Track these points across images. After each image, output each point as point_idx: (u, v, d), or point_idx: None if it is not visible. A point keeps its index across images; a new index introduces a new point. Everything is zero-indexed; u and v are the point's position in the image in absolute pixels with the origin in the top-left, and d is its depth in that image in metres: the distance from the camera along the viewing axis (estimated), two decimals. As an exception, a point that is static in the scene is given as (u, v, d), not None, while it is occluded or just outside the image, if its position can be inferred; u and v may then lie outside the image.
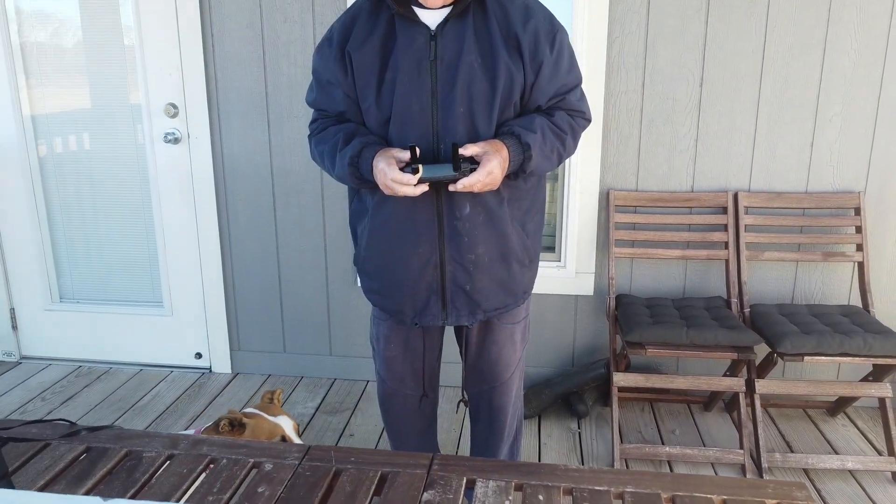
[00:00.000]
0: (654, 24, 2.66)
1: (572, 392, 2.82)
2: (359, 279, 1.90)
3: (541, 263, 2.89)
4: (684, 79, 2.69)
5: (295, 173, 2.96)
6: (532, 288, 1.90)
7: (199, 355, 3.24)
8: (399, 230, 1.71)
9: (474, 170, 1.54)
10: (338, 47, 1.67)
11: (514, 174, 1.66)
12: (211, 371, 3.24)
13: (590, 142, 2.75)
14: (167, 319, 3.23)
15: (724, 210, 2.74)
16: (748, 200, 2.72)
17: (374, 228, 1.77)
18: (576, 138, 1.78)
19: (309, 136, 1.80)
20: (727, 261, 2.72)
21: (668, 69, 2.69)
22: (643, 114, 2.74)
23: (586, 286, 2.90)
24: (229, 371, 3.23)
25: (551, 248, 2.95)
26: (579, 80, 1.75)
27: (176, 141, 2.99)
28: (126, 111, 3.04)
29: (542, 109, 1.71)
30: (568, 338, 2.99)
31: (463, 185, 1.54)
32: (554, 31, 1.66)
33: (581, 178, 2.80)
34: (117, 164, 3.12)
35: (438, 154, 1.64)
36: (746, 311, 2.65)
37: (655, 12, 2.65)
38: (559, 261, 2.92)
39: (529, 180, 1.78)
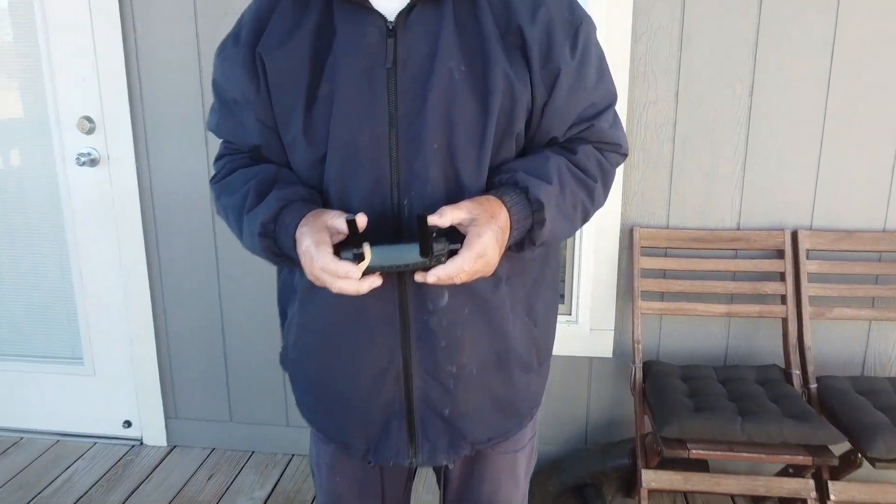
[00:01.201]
0: (690, 16, 2.07)
1: (586, 483, 2.23)
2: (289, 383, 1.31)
3: (546, 317, 2.30)
4: (729, 85, 2.10)
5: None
6: (542, 399, 1.31)
7: (128, 424, 2.66)
8: (341, 326, 1.14)
9: (455, 252, 0.98)
10: (246, 47, 1.09)
11: (518, 245, 1.09)
12: (142, 444, 2.65)
13: (608, 166, 2.16)
14: (89, 379, 2.64)
15: (780, 254, 2.14)
16: (810, 241, 2.13)
17: (306, 322, 1.19)
18: (607, 184, 1.20)
19: (211, 180, 1.21)
20: (784, 319, 2.13)
21: (709, 73, 2.10)
22: (676, 130, 2.15)
23: (603, 346, 2.31)
24: (164, 443, 2.64)
25: (560, 298, 2.36)
26: (613, 98, 1.18)
27: (93, 163, 2.40)
28: (33, 125, 2.46)
29: (559, 143, 1.13)
30: (580, 409, 2.40)
31: (437, 277, 0.97)
32: (576, 24, 1.08)
33: (598, 211, 2.20)
34: (23, 191, 2.54)
35: (400, 217, 1.06)
36: (812, 386, 2.06)
37: (692, 3, 2.06)
38: (570, 314, 2.33)
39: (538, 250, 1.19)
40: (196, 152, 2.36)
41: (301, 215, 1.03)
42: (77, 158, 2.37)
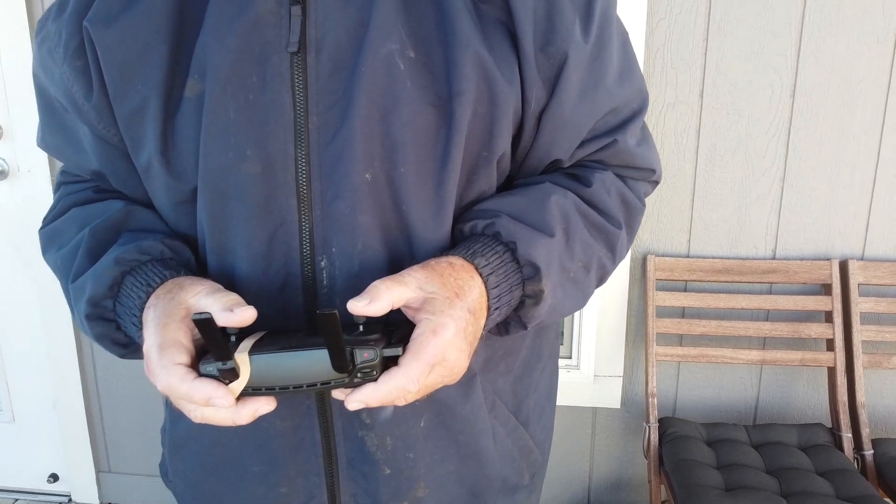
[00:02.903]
0: (719, 1, 1.68)
1: (590, 563, 1.86)
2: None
3: (542, 361, 1.92)
4: (767, 85, 1.71)
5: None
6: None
7: (54, 477, 2.28)
8: (229, 448, 0.76)
9: (395, 358, 0.59)
10: (71, 22, 0.68)
11: (501, 326, 0.71)
12: (70, 501, 2.27)
13: (618, 183, 1.77)
14: (7, 427, 2.26)
15: (826, 289, 1.76)
16: (864, 274, 1.75)
17: (178, 440, 0.81)
18: (633, 228, 0.82)
19: (41, 226, 0.81)
20: (832, 368, 1.75)
21: (741, 69, 1.71)
22: (700, 139, 1.76)
23: (610, 395, 1.93)
24: (97, 501, 2.26)
25: (559, 337, 1.98)
26: (644, 101, 0.78)
27: (1, 175, 2.01)
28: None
29: (565, 168, 0.76)
30: (582, 467, 2.02)
31: (363, 403, 0.58)
32: None
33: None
34: (-76, 208, 2.14)
35: (314, 290, 0.68)
36: (868, 452, 1.68)
37: (725, -21, 1.67)
38: (570, 357, 1.95)
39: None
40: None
41: (150, 289, 0.65)
42: (-20, 170, 1.98)
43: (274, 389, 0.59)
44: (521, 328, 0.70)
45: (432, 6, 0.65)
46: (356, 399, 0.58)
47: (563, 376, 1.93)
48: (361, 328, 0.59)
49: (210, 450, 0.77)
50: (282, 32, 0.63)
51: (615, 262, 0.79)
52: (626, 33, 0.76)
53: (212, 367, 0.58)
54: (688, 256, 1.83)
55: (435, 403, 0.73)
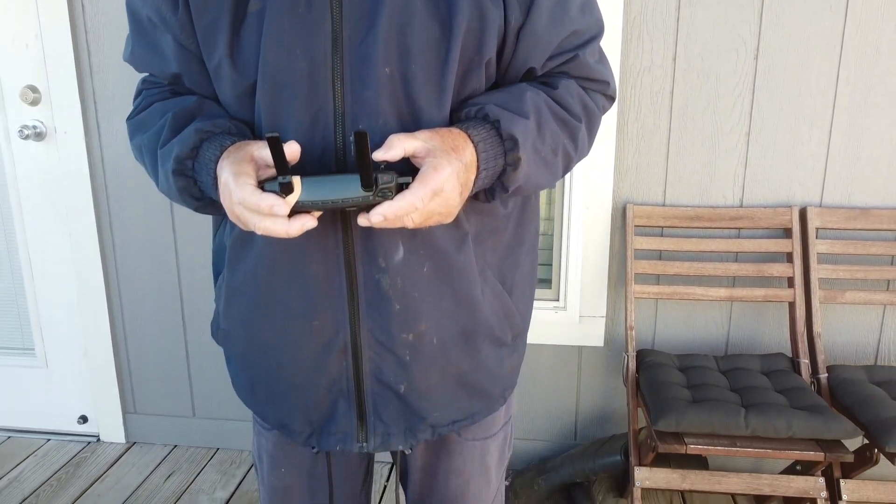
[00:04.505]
0: (691, -29, 1.88)
1: (575, 483, 2.05)
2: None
3: (534, 302, 2.11)
4: (733, 48, 1.92)
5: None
6: (517, 379, 1.13)
7: (83, 419, 2.46)
8: (276, 289, 0.96)
9: (405, 186, 0.80)
10: None
11: (488, 192, 0.92)
12: (99, 440, 2.46)
13: (599, 136, 1.97)
14: (40, 372, 2.45)
15: (788, 233, 1.96)
16: (821, 219, 1.95)
17: (235, 285, 1.01)
18: (593, 129, 1.02)
19: (128, 118, 1.02)
20: (792, 303, 1.95)
21: (710, 34, 1.91)
22: (674, 98, 1.96)
23: (594, 334, 2.12)
24: (123, 440, 2.45)
25: (547, 282, 2.18)
26: (600, 28, 1.00)
27: (38, 137, 2.20)
28: (-26, 96, 2.26)
29: (538, 77, 0.96)
30: (569, 403, 2.22)
31: (383, 215, 0.79)
32: None
33: (587, 186, 2.02)
34: (-34, 168, 2.34)
35: (345, 158, 0.88)
36: (822, 376, 1.88)
37: (694, -47, 1.87)
38: (557, 299, 2.14)
39: (512, 200, 1.01)
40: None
41: (223, 148, 0.86)
42: (20, 132, 2.17)
43: (317, 204, 0.79)
44: (503, 192, 0.90)
45: None
46: (377, 212, 0.79)
47: (551, 317, 2.12)
48: (379, 167, 0.79)
49: (261, 291, 0.96)
50: None
51: (577, 152, 0.99)
52: None
53: (273, 185, 0.79)
54: (664, 205, 2.02)
55: (435, 253, 0.92)
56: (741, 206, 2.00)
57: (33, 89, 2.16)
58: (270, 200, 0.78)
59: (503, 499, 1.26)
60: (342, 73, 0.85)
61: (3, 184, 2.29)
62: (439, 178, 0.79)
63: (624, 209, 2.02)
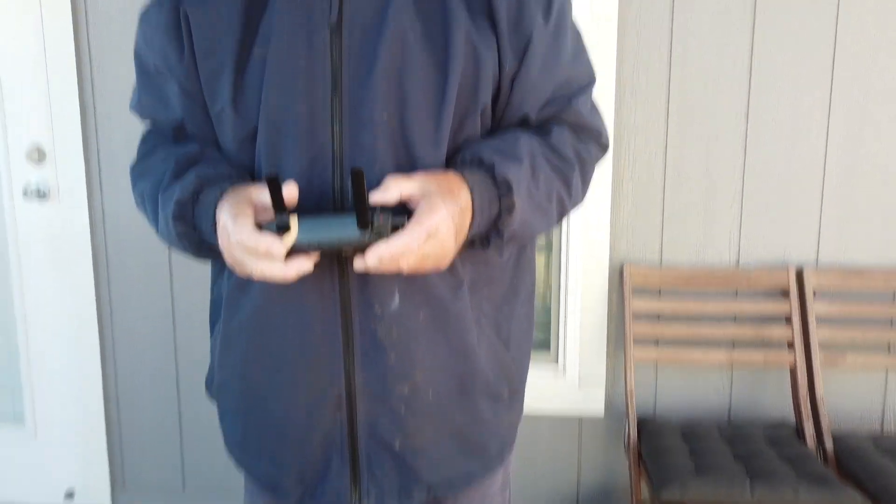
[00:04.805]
0: (680, 31, 1.94)
1: (575, 555, 1.97)
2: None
3: (532, 366, 2.07)
4: (723, 112, 1.95)
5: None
6: (515, 439, 1.10)
7: (69, 495, 2.39)
8: (271, 337, 0.95)
9: (400, 227, 0.80)
10: (170, 5, 0.93)
11: (484, 238, 0.91)
12: (84, 514, 2.38)
13: (595, 195, 1.99)
14: (30, 443, 2.39)
15: (785, 293, 1.94)
16: (817, 280, 1.93)
17: (230, 334, 1.00)
18: (587, 177, 1.03)
19: (131, 166, 1.04)
20: (793, 368, 1.91)
21: (702, 95, 1.95)
22: (668, 158, 1.99)
23: (594, 403, 2.08)
24: (110, 514, 2.37)
25: (545, 344, 2.15)
26: (593, 78, 1.02)
27: (41, 196, 2.23)
28: (-19, 158, 2.30)
29: (532, 123, 0.97)
30: (569, 477, 2.15)
31: (378, 256, 0.80)
32: None
33: (584, 245, 2.02)
34: (-32, 228, 2.36)
35: (342, 201, 0.89)
36: (828, 445, 1.82)
37: (681, 17, 1.93)
38: (556, 362, 2.11)
39: (507, 247, 1.00)
40: (152, 185, 2.19)
41: (223, 192, 0.86)
42: (24, 191, 2.20)
43: (313, 244, 0.80)
44: (498, 238, 0.90)
45: (436, 1, 0.88)
46: (373, 253, 0.79)
47: (550, 382, 2.09)
48: (375, 208, 0.80)
49: (257, 339, 0.96)
50: (325, 11, 0.87)
51: (571, 199, 0.99)
52: (580, 32, 1.01)
53: (271, 226, 0.80)
54: (660, 266, 2.02)
55: (431, 300, 0.92)
56: (737, 266, 1.99)
57: (40, 149, 2.20)
58: (268, 241, 0.78)
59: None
60: (341, 117, 0.87)
61: (4, 244, 2.30)
62: (434, 219, 0.80)
63: (621, 269, 2.01)
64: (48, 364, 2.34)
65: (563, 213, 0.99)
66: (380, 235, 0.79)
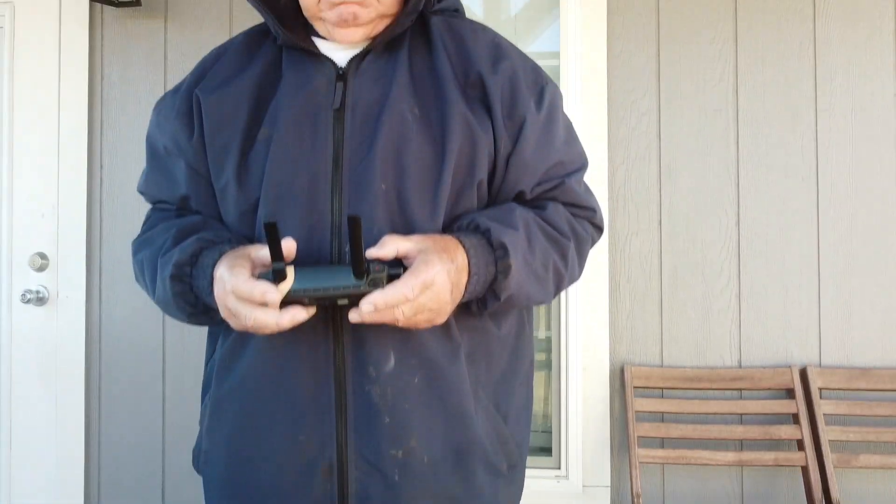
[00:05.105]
0: (668, 145, 2.04)
1: None
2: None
3: (534, 472, 2.01)
4: (714, 214, 2.02)
5: (195, 351, 2.17)
6: (517, 513, 1.05)
7: None
8: (262, 400, 0.93)
9: (396, 278, 0.81)
10: (185, 93, 1.01)
11: (480, 302, 0.92)
12: None
13: (594, 300, 2.01)
14: (1, 558, 2.24)
15: (790, 393, 1.92)
16: (822, 379, 1.92)
17: (220, 398, 0.98)
18: (582, 252, 1.05)
19: (133, 240, 1.05)
20: (805, 467, 1.85)
21: (692, 202, 2.02)
22: (663, 261, 2.03)
23: (599, 508, 1.99)
24: None
25: (546, 450, 2.08)
26: (585, 161, 1.07)
27: (40, 301, 2.23)
28: (-17, 265, 2.32)
29: (527, 199, 1.00)
30: (576, 589, 2.02)
31: (373, 305, 0.80)
32: (541, 83, 1.01)
33: (584, 348, 2.02)
34: (-39, 336, 2.33)
35: (339, 263, 0.90)
36: (848, 547, 1.74)
37: (668, 129, 2.04)
38: (558, 468, 2.04)
39: (506, 320, 1.01)
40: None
41: (221, 254, 0.88)
42: (23, 296, 2.20)
43: (309, 293, 0.80)
44: (495, 300, 0.91)
45: (432, 83, 0.96)
46: (368, 300, 0.79)
47: (552, 487, 2.00)
48: (375, 262, 0.82)
49: (247, 402, 0.94)
50: (329, 98, 0.94)
51: (567, 269, 1.01)
52: (571, 122, 1.07)
53: (267, 274, 0.80)
54: (661, 367, 2.00)
55: (427, 363, 0.91)
56: (740, 367, 1.97)
57: (42, 256, 2.23)
58: (263, 287, 0.79)
59: None
60: (341, 188, 0.90)
61: (-3, 348, 2.28)
62: (431, 271, 0.81)
63: (622, 370, 1.99)
64: (31, 474, 2.23)
65: (559, 284, 1.00)
66: (376, 284, 0.79)
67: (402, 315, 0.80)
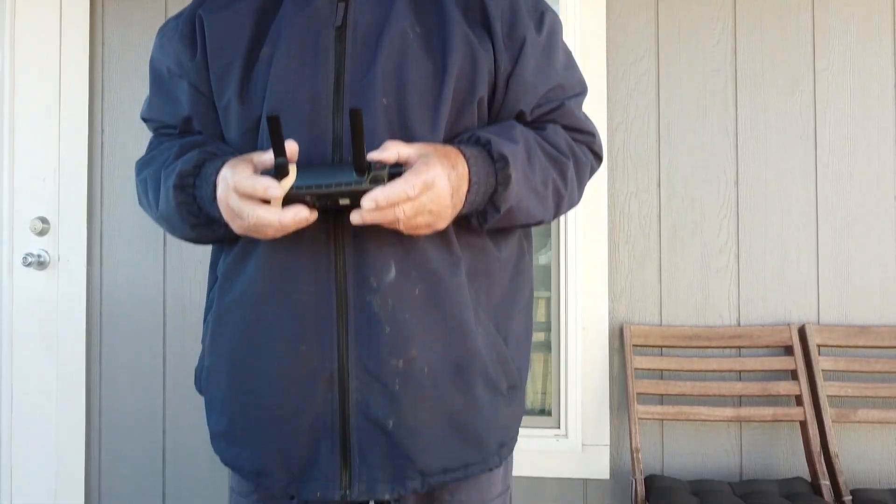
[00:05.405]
0: (666, 106, 2.04)
1: None
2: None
3: (534, 431, 2.03)
4: (713, 175, 2.02)
5: (196, 311, 2.17)
6: (516, 437, 1.05)
7: (38, 579, 2.21)
8: (264, 311, 0.94)
9: (397, 176, 0.81)
10: (188, 15, 1.02)
11: (480, 216, 0.92)
12: None
13: (593, 260, 2.01)
14: (2, 520, 2.25)
15: (789, 350, 1.93)
16: (821, 336, 1.92)
17: (223, 312, 0.99)
18: (581, 175, 1.05)
19: (136, 163, 1.06)
20: (803, 422, 1.85)
21: (690, 163, 2.03)
22: (662, 222, 2.03)
23: (599, 465, 1.99)
24: None
25: (546, 411, 2.09)
26: (584, 87, 1.08)
27: (41, 265, 2.23)
28: (-16, 231, 2.33)
29: (527, 119, 1.01)
30: (576, 546, 2.02)
31: (374, 201, 0.80)
32: (541, 9, 1.02)
33: (583, 308, 2.02)
34: (-37, 301, 2.34)
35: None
36: (847, 498, 1.74)
37: (667, 90, 2.04)
38: (558, 427, 2.04)
39: (506, 243, 1.02)
40: (151, 256, 2.20)
41: (224, 163, 0.88)
42: (24, 259, 2.21)
43: (311, 190, 0.80)
44: (495, 212, 0.91)
45: (434, 7, 0.97)
46: (369, 197, 0.80)
47: (550, 445, 2.01)
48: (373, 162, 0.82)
49: (249, 314, 0.95)
50: (331, 16, 0.95)
51: (567, 189, 1.01)
52: (570, 50, 1.08)
53: (269, 172, 0.81)
54: (661, 325, 2.01)
55: (427, 275, 0.92)
56: (739, 326, 1.98)
57: (43, 220, 2.23)
58: (265, 182, 0.80)
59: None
60: (342, 104, 0.91)
61: (-2, 311, 2.28)
62: (431, 172, 0.82)
63: (621, 330, 2.00)
64: (29, 436, 2.24)
65: (559, 203, 1.01)
66: (377, 181, 0.80)
67: (402, 214, 0.81)
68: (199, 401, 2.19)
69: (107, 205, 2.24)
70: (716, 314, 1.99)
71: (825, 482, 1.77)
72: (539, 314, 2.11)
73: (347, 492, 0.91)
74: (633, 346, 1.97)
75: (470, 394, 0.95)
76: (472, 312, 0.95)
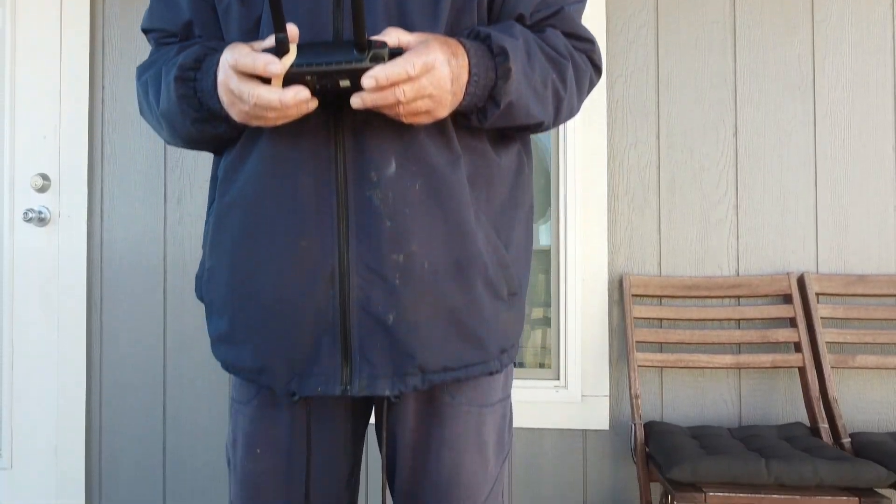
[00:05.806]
0: (665, 58, 2.05)
1: (586, 579, 1.82)
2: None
3: (533, 382, 2.03)
4: (712, 126, 2.03)
5: (196, 266, 2.18)
6: (516, 346, 1.06)
7: (41, 530, 2.23)
8: (264, 207, 0.93)
9: (398, 55, 0.81)
10: None
11: (480, 113, 0.92)
12: (54, 556, 2.21)
13: (592, 211, 2.02)
14: (4, 474, 2.26)
15: (788, 298, 1.93)
16: (819, 285, 1.93)
17: (223, 211, 0.99)
18: (581, 81, 1.05)
19: (138, 68, 1.06)
20: (802, 368, 1.86)
21: (689, 114, 2.03)
22: (661, 173, 2.04)
23: (598, 416, 2.00)
24: (82, 556, 2.19)
25: (546, 363, 2.10)
26: None
27: (42, 222, 2.24)
28: (-15, 189, 2.34)
29: (526, 22, 1.00)
30: (575, 490, 2.03)
31: (374, 79, 0.79)
32: None
33: (582, 259, 2.03)
34: (-35, 258, 2.35)
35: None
36: (846, 441, 1.74)
37: (666, 41, 2.05)
38: (557, 378, 2.05)
39: (506, 151, 1.02)
40: (151, 212, 2.21)
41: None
42: (25, 214, 2.21)
43: (312, 67, 0.80)
44: (495, 107, 0.91)
45: None
46: (370, 75, 0.80)
47: (549, 395, 2.02)
48: (374, 42, 0.81)
49: (249, 210, 0.94)
50: None
51: (566, 93, 1.01)
52: None
53: (269, 50, 0.80)
54: (660, 276, 2.01)
55: (427, 170, 0.92)
56: (738, 275, 1.98)
57: (44, 177, 2.24)
58: (265, 58, 0.79)
59: (504, 495, 1.11)
60: (343, 4, 0.90)
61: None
62: (432, 54, 0.82)
63: (621, 280, 2.00)
64: (30, 391, 2.25)
65: (559, 106, 1.01)
66: (377, 60, 0.79)
67: (402, 95, 0.81)
68: (200, 355, 2.22)
69: (107, 161, 2.24)
70: (715, 264, 2.00)
71: (824, 426, 1.77)
72: (539, 267, 2.12)
73: (348, 387, 0.92)
74: (633, 295, 1.97)
75: (470, 293, 0.95)
76: (472, 214, 0.95)
